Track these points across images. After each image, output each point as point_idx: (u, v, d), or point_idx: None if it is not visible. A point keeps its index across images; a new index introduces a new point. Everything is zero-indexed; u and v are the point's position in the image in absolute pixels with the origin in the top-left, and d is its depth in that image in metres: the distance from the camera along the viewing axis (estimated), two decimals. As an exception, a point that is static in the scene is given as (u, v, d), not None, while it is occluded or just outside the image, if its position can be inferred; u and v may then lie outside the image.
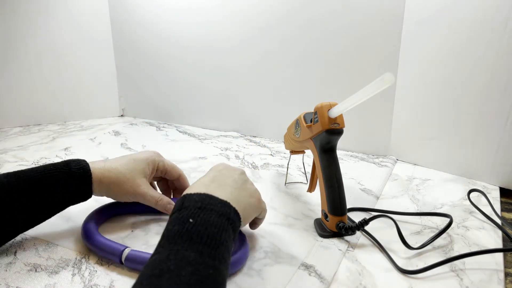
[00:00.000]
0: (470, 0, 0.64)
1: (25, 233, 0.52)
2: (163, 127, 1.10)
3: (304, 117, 0.58)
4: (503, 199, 0.65)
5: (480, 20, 0.64)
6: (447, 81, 0.70)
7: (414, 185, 0.70)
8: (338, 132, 0.52)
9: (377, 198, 0.65)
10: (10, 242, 0.50)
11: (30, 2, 0.99)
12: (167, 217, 0.58)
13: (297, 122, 0.60)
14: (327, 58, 0.83)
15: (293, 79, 0.90)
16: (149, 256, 0.44)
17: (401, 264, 0.47)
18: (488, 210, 0.59)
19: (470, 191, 0.64)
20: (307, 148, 0.60)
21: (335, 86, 0.84)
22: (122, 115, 1.23)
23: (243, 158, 0.84)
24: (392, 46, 0.75)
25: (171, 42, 1.04)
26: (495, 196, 0.65)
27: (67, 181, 0.47)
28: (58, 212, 0.49)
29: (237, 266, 0.45)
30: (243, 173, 0.47)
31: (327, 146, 0.52)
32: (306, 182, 0.69)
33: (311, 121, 0.55)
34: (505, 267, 0.47)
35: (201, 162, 0.81)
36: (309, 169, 0.64)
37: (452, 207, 0.61)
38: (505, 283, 0.44)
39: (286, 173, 0.72)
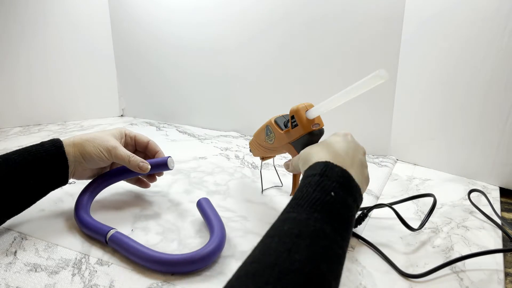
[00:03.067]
0: (470, 0, 0.64)
1: (25, 233, 0.52)
2: (163, 127, 1.10)
3: (276, 122, 0.57)
4: (503, 199, 0.65)
5: (480, 21, 0.64)
6: (447, 81, 0.70)
7: (414, 185, 0.70)
8: (320, 133, 0.52)
9: (377, 198, 0.65)
10: (10, 242, 0.50)
11: (30, 2, 0.99)
12: (166, 216, 0.59)
13: (267, 129, 0.58)
14: (328, 59, 0.83)
15: (293, 79, 0.90)
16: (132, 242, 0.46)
17: (401, 263, 0.47)
18: (488, 210, 0.59)
19: (470, 191, 0.64)
20: (283, 152, 0.59)
21: (336, 86, 0.84)
22: (122, 115, 1.23)
23: (243, 158, 0.84)
24: (392, 46, 0.75)
25: (171, 42, 1.04)
26: (495, 196, 0.65)
27: (39, 148, 0.50)
28: (42, 187, 0.50)
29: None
30: (365, 153, 0.49)
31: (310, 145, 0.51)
32: (281, 184, 0.68)
33: (285, 126, 0.54)
34: (505, 267, 0.47)
35: (201, 162, 0.81)
36: (281, 170, 0.64)
37: (452, 207, 0.61)
38: (505, 283, 0.44)
39: (261, 180, 0.68)
